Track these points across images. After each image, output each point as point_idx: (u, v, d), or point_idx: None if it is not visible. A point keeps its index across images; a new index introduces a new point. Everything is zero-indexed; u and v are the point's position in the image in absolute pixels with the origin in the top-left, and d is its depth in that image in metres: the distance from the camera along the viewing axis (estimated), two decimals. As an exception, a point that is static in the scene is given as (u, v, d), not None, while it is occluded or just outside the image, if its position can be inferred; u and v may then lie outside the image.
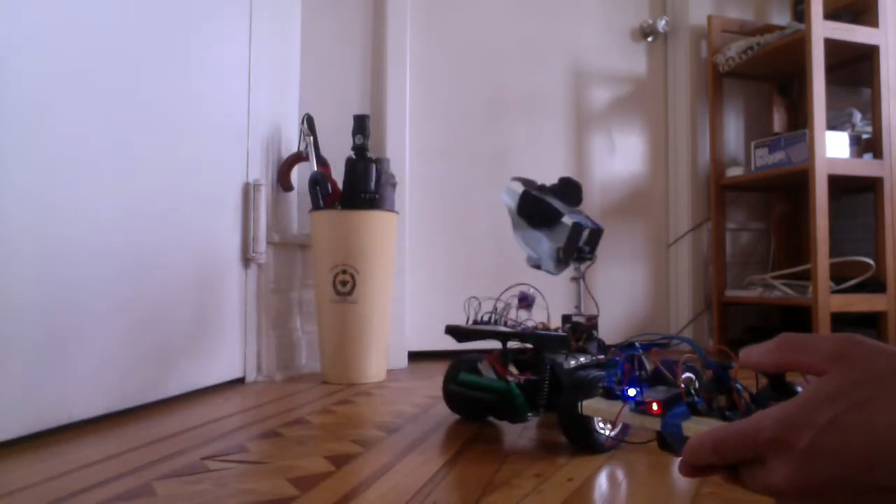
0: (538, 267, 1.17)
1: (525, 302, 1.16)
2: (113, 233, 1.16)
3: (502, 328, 1.09)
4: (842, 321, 1.84)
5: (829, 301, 1.73)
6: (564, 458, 0.92)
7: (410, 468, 0.88)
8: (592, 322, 1.10)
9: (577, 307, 1.17)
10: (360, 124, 1.63)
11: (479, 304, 1.09)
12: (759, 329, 2.17)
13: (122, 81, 1.18)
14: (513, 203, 1.19)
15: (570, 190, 1.20)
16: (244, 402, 1.34)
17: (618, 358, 0.43)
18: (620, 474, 0.86)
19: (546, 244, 1.14)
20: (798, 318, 2.09)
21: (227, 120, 1.50)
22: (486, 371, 1.07)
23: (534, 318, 1.12)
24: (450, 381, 1.15)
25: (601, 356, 1.08)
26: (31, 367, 1.00)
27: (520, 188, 1.19)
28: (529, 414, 1.01)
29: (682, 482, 0.81)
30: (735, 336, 2.14)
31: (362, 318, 1.56)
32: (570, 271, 1.18)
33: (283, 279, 1.70)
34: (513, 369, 1.06)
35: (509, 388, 0.99)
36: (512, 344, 1.09)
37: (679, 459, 0.38)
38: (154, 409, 1.24)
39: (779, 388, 0.37)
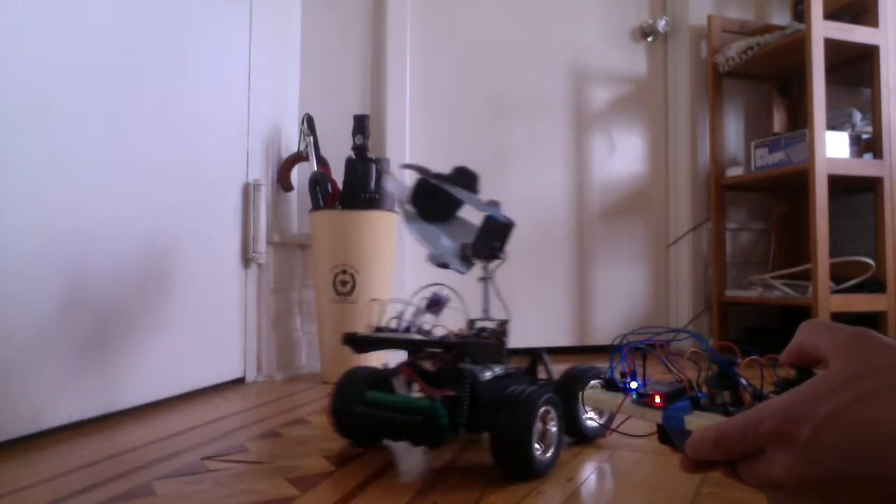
0: (444, 265, 1.01)
1: (437, 305, 0.99)
2: (112, 233, 1.16)
3: (416, 336, 0.92)
4: (841, 321, 1.84)
5: (829, 301, 1.73)
6: (564, 458, 0.92)
7: (410, 468, 0.88)
8: (502, 328, 0.96)
9: (485, 311, 1.03)
10: (360, 124, 1.63)
11: (384, 306, 0.99)
12: (759, 329, 2.17)
13: (121, 82, 1.18)
14: (401, 192, 1.06)
15: (465, 180, 1.05)
16: (244, 402, 1.34)
17: (621, 349, 0.43)
18: (620, 474, 0.86)
19: (446, 240, 1.01)
20: (798, 318, 2.09)
21: (227, 120, 1.50)
22: (401, 388, 0.90)
23: (443, 323, 0.98)
24: (349, 400, 0.93)
25: (513, 366, 0.98)
26: (30, 368, 1.00)
27: (413, 176, 1.06)
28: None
29: (681, 482, 0.81)
30: (735, 336, 2.14)
31: (362, 318, 1.56)
32: (477, 270, 1.06)
33: (283, 279, 1.70)
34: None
35: (435, 407, 0.83)
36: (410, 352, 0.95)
37: (680, 455, 0.38)
38: (154, 409, 1.24)
39: (804, 377, 0.37)
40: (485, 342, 0.91)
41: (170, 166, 1.30)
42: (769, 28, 2.11)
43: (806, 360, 0.36)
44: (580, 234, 2.11)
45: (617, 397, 0.42)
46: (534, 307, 2.05)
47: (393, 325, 0.97)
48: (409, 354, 0.93)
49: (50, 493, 0.77)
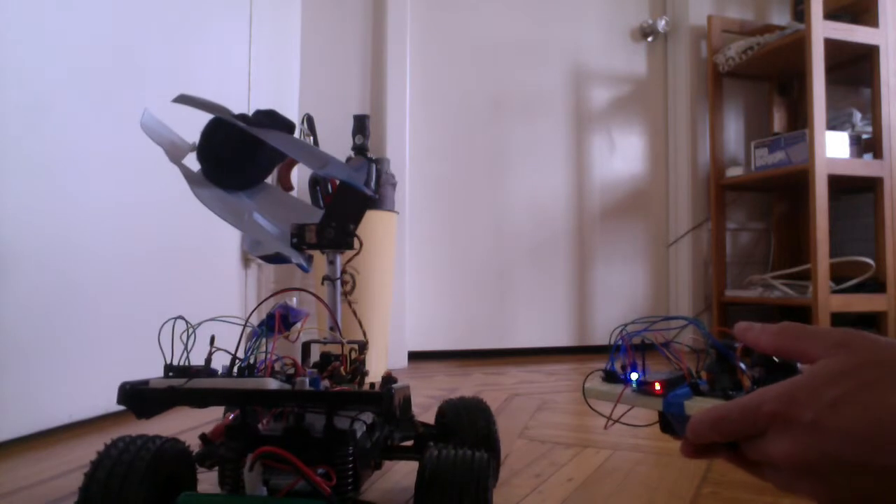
0: (278, 260, 0.68)
1: (288, 324, 0.61)
2: (112, 233, 1.16)
3: (271, 383, 0.51)
4: (841, 321, 1.84)
5: (829, 301, 1.73)
6: (564, 458, 0.92)
7: (410, 468, 0.87)
8: (361, 358, 0.65)
9: (333, 327, 0.69)
10: (360, 124, 1.63)
11: (192, 331, 0.57)
12: (759, 329, 2.17)
13: (121, 82, 1.18)
14: (175, 142, 0.71)
15: (279, 129, 0.70)
16: (244, 402, 1.33)
17: (619, 341, 0.43)
18: (620, 474, 0.85)
19: (261, 218, 0.68)
20: (798, 318, 2.09)
21: (227, 120, 1.50)
22: (256, 484, 0.49)
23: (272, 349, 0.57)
24: None
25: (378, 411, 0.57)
26: (31, 367, 1.00)
27: (197, 113, 0.70)
28: None
29: (681, 482, 0.81)
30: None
31: (362, 319, 1.56)
32: (322, 269, 0.74)
33: (282, 279, 1.70)
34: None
35: None
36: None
37: (681, 442, 0.38)
38: (154, 409, 1.24)
39: (779, 367, 0.37)
40: (380, 393, 0.51)
41: (169, 166, 1.30)
42: (769, 28, 2.11)
43: (779, 351, 0.36)
44: (580, 234, 2.11)
45: (617, 388, 0.42)
46: (534, 307, 2.05)
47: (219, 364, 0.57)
48: (242, 411, 0.55)
49: (50, 493, 0.77)
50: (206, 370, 0.56)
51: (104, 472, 0.51)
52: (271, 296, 0.66)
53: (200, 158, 0.70)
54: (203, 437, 0.58)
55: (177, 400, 0.54)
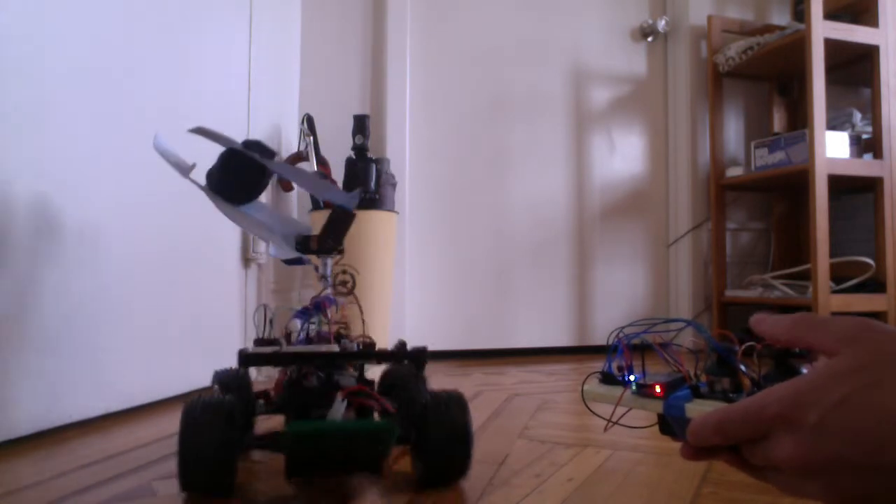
0: (295, 262, 0.90)
1: (326, 307, 0.87)
2: (112, 234, 1.16)
3: (336, 347, 0.80)
4: (842, 321, 1.84)
5: (829, 301, 1.73)
6: (564, 458, 0.92)
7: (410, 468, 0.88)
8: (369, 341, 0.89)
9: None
10: (360, 124, 1.63)
11: (272, 313, 0.84)
12: (759, 329, 2.17)
13: (120, 82, 1.18)
14: (181, 162, 0.90)
15: (265, 156, 0.85)
16: (244, 402, 1.33)
17: (618, 342, 0.43)
18: (620, 474, 0.86)
19: (279, 227, 0.88)
20: (798, 318, 2.09)
21: (227, 120, 1.50)
22: (340, 414, 0.70)
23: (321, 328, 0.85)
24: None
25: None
26: (31, 367, 1.00)
27: (209, 143, 0.86)
28: None
29: (681, 482, 0.81)
30: (735, 336, 2.14)
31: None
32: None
33: (283, 279, 1.70)
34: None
35: (392, 428, 0.68)
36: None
37: (681, 444, 0.38)
38: (155, 408, 1.24)
39: (783, 369, 0.37)
40: (420, 349, 0.83)
41: (168, 167, 1.30)
42: (769, 28, 2.11)
43: (792, 341, 0.36)
44: (580, 234, 2.11)
45: (616, 390, 0.42)
46: (534, 307, 2.05)
47: (292, 335, 0.82)
48: (299, 369, 0.78)
49: (50, 493, 0.77)
50: (282, 341, 0.80)
51: (195, 419, 0.68)
52: (324, 290, 0.90)
53: (219, 181, 0.86)
54: (285, 384, 0.78)
55: (280, 361, 0.77)
